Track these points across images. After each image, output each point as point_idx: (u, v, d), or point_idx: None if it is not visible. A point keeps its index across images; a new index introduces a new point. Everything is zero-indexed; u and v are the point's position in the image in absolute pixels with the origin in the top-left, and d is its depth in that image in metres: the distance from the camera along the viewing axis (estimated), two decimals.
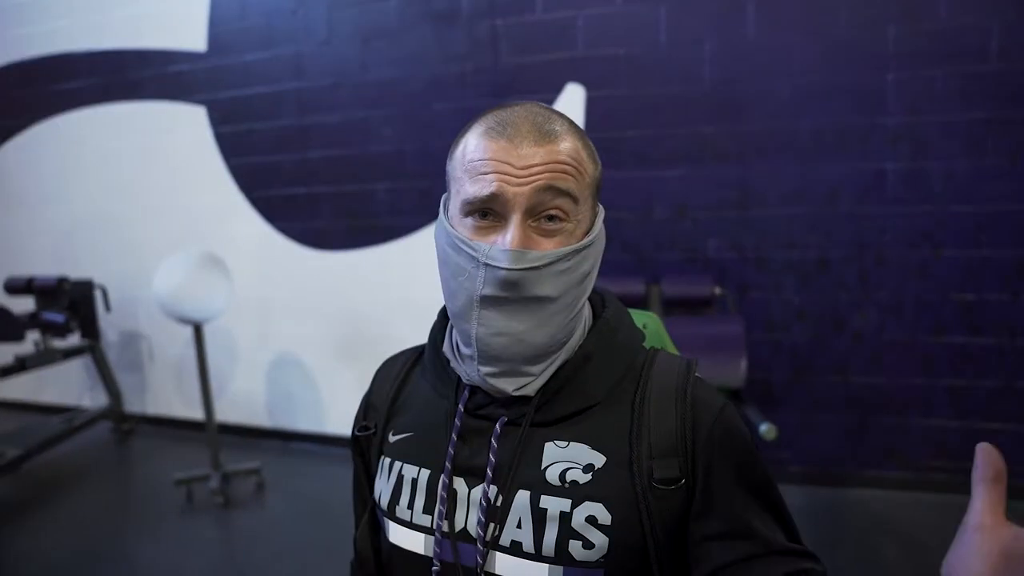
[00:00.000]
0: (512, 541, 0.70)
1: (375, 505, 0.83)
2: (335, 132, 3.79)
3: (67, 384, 4.85)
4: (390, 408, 0.84)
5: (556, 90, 3.39)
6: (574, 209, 0.69)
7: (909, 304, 3.13)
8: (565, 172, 0.67)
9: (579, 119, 3.37)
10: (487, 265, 0.67)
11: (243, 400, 4.28)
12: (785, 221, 3.17)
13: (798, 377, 3.27)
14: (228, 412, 4.22)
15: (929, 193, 3.03)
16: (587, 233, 0.71)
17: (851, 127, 3.07)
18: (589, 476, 0.69)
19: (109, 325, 4.53)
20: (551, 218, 0.68)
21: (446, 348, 0.80)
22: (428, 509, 0.75)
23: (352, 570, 0.92)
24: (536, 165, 0.66)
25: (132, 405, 4.62)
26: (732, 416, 0.72)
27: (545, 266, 0.67)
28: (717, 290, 2.99)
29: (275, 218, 4.02)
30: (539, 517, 0.69)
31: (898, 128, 3.02)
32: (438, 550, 0.73)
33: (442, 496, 0.73)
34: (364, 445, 0.87)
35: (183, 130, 4.11)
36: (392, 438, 0.82)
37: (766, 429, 2.25)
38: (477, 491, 0.72)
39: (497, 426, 0.72)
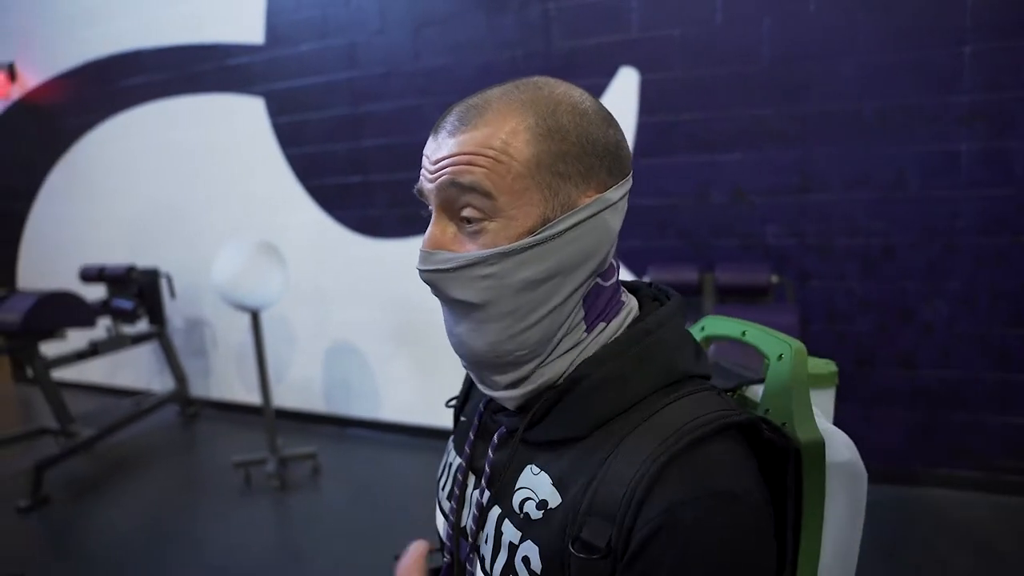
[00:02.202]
0: (480, 553, 0.67)
1: None
2: (388, 121, 3.82)
3: (138, 368, 5.06)
4: (467, 391, 0.84)
5: (609, 74, 3.32)
6: (491, 206, 0.58)
7: (983, 294, 2.94)
8: (471, 164, 0.58)
9: (633, 103, 3.29)
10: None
11: (300, 386, 4.37)
12: (848, 206, 3.03)
13: (861, 370, 3.12)
14: (286, 397, 4.32)
15: (1008, 175, 2.84)
16: (533, 232, 0.59)
17: (920, 106, 2.89)
18: (540, 514, 0.60)
19: (175, 312, 4.70)
20: (466, 219, 0.60)
21: None
22: (450, 496, 0.75)
23: None
24: (443, 158, 0.60)
25: (197, 389, 4.79)
26: (709, 518, 0.52)
27: (454, 270, 0.60)
28: (774, 278, 2.87)
29: (331, 206, 4.08)
30: (497, 540, 0.64)
31: (974, 105, 2.84)
32: (447, 543, 0.73)
33: (454, 492, 0.73)
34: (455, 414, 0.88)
35: (242, 121, 4.21)
36: (462, 419, 0.83)
37: None
38: (477, 492, 0.70)
39: (495, 436, 0.69)
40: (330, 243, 4.09)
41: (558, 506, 0.59)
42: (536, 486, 0.62)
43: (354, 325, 4.15)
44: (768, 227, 3.15)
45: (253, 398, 4.43)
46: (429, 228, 0.63)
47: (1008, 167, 2.83)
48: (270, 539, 3.11)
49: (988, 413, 2.99)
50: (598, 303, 0.64)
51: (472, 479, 0.72)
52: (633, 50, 3.27)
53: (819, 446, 0.61)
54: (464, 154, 0.58)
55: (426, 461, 3.71)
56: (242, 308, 3.30)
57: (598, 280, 0.63)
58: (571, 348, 0.63)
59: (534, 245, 0.58)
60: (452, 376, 3.92)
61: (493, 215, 0.59)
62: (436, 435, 3.94)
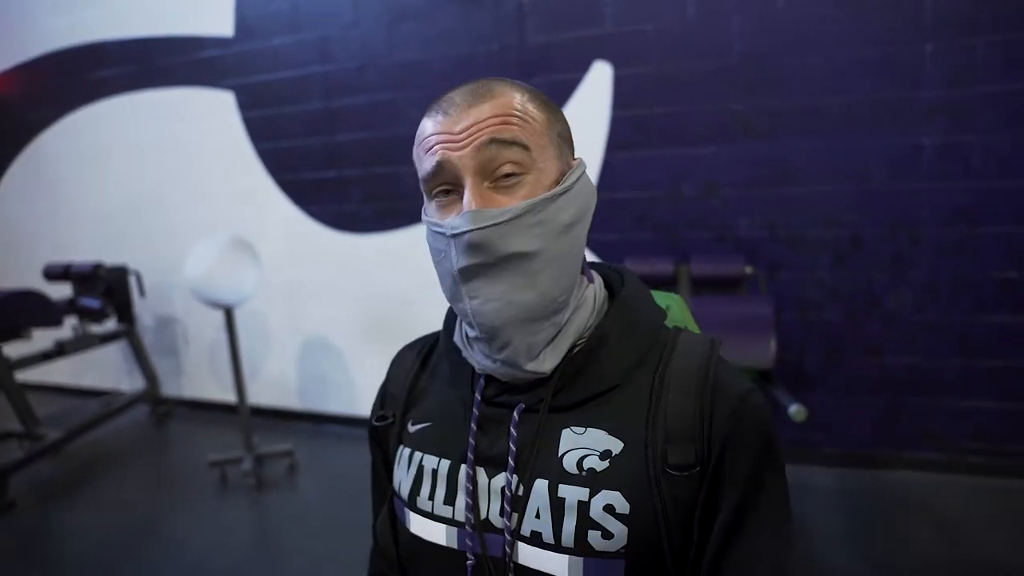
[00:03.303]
0: (532, 531, 0.68)
1: (394, 495, 0.81)
2: (363, 115, 3.80)
3: (106, 368, 4.97)
4: (408, 397, 0.82)
5: (583, 68, 3.35)
6: (528, 158, 0.65)
7: (946, 283, 3.05)
8: (506, 122, 0.64)
9: (606, 97, 3.33)
10: (454, 236, 0.65)
11: (275, 383, 4.34)
12: (817, 199, 3.11)
13: (831, 358, 3.21)
14: (260, 395, 4.29)
15: (968, 168, 2.94)
16: (556, 183, 0.67)
17: (886, 101, 2.98)
18: (607, 463, 0.66)
19: (144, 310, 4.63)
20: (507, 174, 0.65)
21: (456, 338, 0.78)
22: (449, 500, 0.73)
23: (371, 559, 0.93)
24: (473, 125, 0.64)
25: (168, 388, 4.72)
26: (757, 403, 0.68)
27: (510, 220, 0.64)
28: (748, 269, 2.94)
29: (304, 202, 4.05)
30: (557, 507, 0.67)
31: (935, 101, 2.93)
32: (470, 543, 0.71)
33: (467, 488, 0.71)
34: (382, 435, 0.85)
35: (212, 116, 4.15)
36: (411, 428, 0.80)
37: (795, 410, 2.21)
38: (498, 480, 0.70)
39: (515, 413, 0.70)
40: (304, 238, 4.06)
41: (623, 449, 0.67)
42: (590, 442, 0.68)
43: (329, 321, 4.13)
44: (740, 219, 3.22)
45: (227, 396, 4.38)
46: (466, 193, 0.65)
47: (967, 161, 2.94)
48: (248, 538, 3.09)
49: (950, 398, 3.10)
50: (583, 264, 0.73)
51: (483, 471, 0.71)
52: (607, 45, 3.30)
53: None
54: (497, 115, 0.65)
55: None
56: (216, 305, 3.27)
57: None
58: (579, 306, 0.71)
59: (566, 191, 0.67)
60: None
61: (529, 168, 0.65)
62: None
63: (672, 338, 0.73)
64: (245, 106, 4.07)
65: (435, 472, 0.75)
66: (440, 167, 0.66)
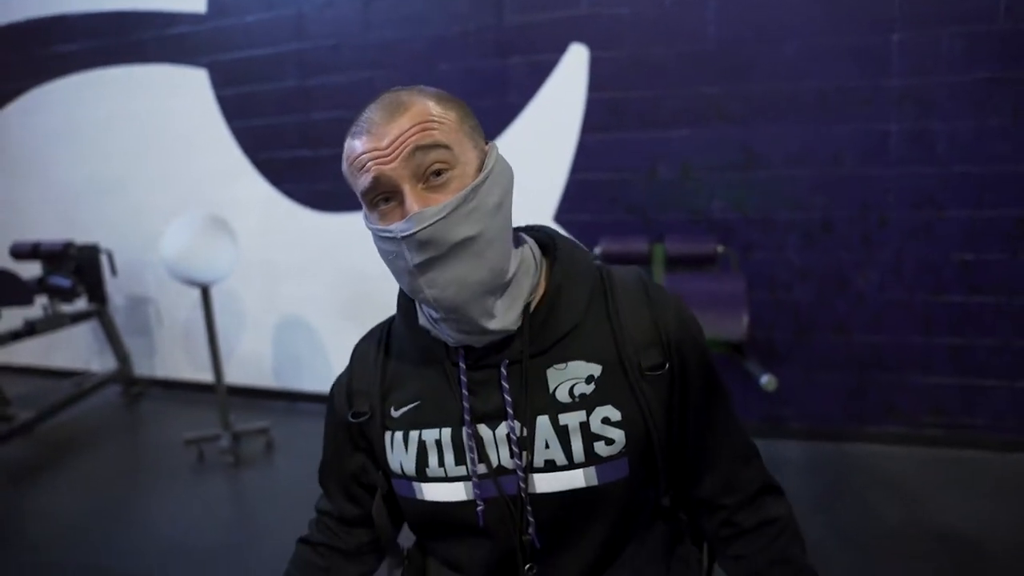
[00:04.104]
0: (545, 461, 0.79)
1: (393, 477, 0.88)
2: (338, 93, 3.78)
3: (76, 348, 4.90)
4: (382, 386, 0.89)
5: (560, 50, 3.38)
6: (451, 156, 0.73)
7: (910, 264, 3.16)
8: (425, 129, 0.72)
9: (583, 79, 3.36)
10: (404, 238, 0.72)
11: (250, 362, 4.33)
12: (789, 182, 3.19)
13: (800, 336, 3.31)
14: (235, 374, 4.28)
15: (932, 154, 3.04)
16: (479, 171, 0.76)
17: (856, 88, 3.06)
18: (593, 385, 0.79)
19: (116, 289, 4.57)
20: (437, 172, 0.73)
21: (422, 321, 0.87)
22: (460, 461, 0.81)
23: (304, 545, 1.02)
24: (397, 137, 0.72)
25: (141, 368, 4.68)
26: (684, 305, 0.87)
27: (450, 213, 0.72)
28: (720, 248, 3.01)
29: (279, 181, 4.03)
30: (562, 433, 0.78)
31: (903, 89, 3.02)
32: (478, 491, 0.81)
33: (470, 445, 0.80)
34: (362, 431, 0.91)
35: (185, 93, 4.09)
36: (395, 413, 0.87)
37: (767, 380, 2.29)
38: (501, 429, 0.79)
39: (502, 369, 0.80)
40: (279, 217, 4.05)
41: (602, 371, 0.80)
42: (573, 373, 0.80)
43: (305, 299, 4.13)
44: (714, 201, 3.29)
45: (201, 375, 4.36)
46: (406, 199, 0.73)
47: (932, 147, 3.04)
48: (227, 515, 3.11)
49: (913, 374, 3.22)
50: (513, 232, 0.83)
51: (484, 426, 0.81)
52: (583, 27, 3.33)
53: None
54: (415, 125, 0.72)
55: None
56: (192, 283, 3.25)
57: None
58: (521, 265, 0.81)
59: (488, 176, 0.75)
60: None
61: (454, 164, 0.74)
62: None
63: (607, 273, 0.87)
64: (219, 84, 4.02)
65: (438, 442, 0.83)
66: (376, 181, 0.73)
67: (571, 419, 0.79)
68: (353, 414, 0.90)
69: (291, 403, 4.27)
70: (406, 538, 1.00)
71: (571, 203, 3.50)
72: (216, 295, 3.80)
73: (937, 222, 3.09)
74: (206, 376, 3.98)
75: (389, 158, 0.72)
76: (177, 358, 4.60)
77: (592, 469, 0.78)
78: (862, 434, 3.31)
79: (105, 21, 4.20)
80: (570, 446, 0.78)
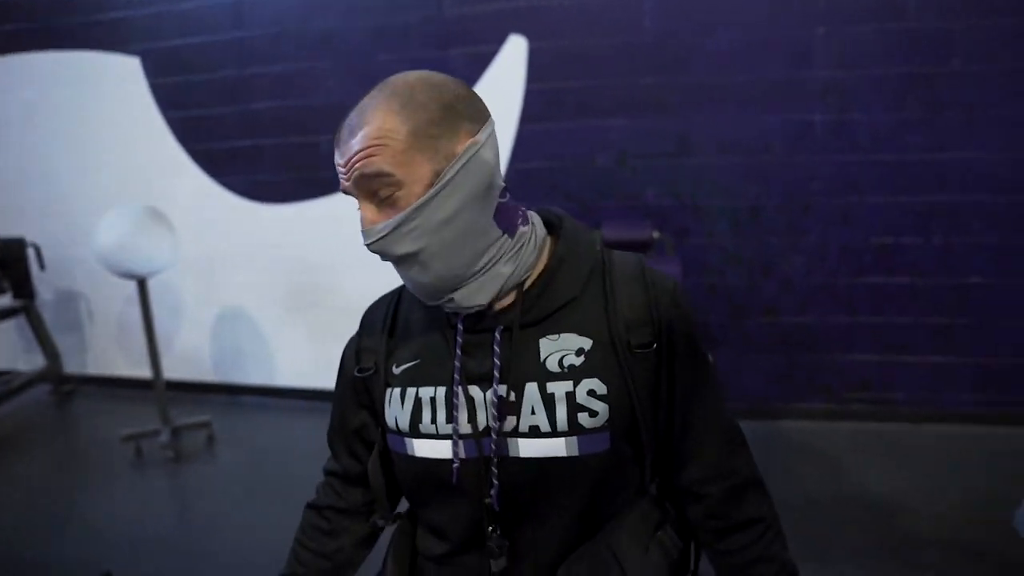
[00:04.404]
0: (530, 426, 0.82)
1: (386, 432, 0.92)
2: (278, 83, 3.75)
3: (1, 347, 4.71)
4: (388, 345, 0.93)
5: (499, 41, 3.44)
6: (394, 180, 0.75)
7: (834, 249, 3.33)
8: (368, 156, 0.75)
9: (521, 70, 3.43)
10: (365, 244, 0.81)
11: (189, 356, 4.25)
12: (720, 170, 3.32)
13: (733, 318, 3.46)
14: (174, 369, 4.17)
15: (854, 143, 3.22)
16: (430, 186, 0.76)
17: (783, 80, 3.22)
18: (582, 358, 0.82)
19: (44, 285, 4.40)
20: (384, 197, 0.77)
21: None
22: (450, 419, 0.85)
23: (310, 510, 1.04)
24: (348, 162, 0.77)
25: (71, 366, 4.53)
26: (683, 291, 0.89)
27: (388, 234, 0.77)
28: (655, 234, 3.12)
29: (217, 172, 3.96)
30: (548, 401, 0.81)
31: (827, 81, 3.19)
32: (456, 449, 0.84)
33: (455, 404, 0.84)
34: (367, 385, 0.95)
35: (117, 81, 3.99)
36: (396, 370, 0.91)
37: None
38: (492, 392, 0.83)
39: (496, 334, 0.84)
40: (218, 209, 3.99)
41: (592, 345, 0.83)
42: (565, 344, 0.83)
43: (244, 292, 4.09)
44: (649, 189, 3.40)
45: (137, 371, 4.26)
46: (360, 214, 0.79)
47: (854, 136, 3.21)
48: (169, 510, 3.07)
49: (837, 352, 3.40)
50: (507, 215, 0.84)
51: (476, 388, 0.85)
52: (522, 18, 3.40)
53: None
54: (359, 151, 0.75)
55: (322, 423, 3.73)
56: (129, 276, 3.19)
57: (499, 200, 0.82)
58: (515, 250, 0.84)
59: (436, 194, 0.76)
60: (346, 337, 3.94)
61: (400, 185, 0.76)
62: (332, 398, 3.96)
63: (607, 254, 0.90)
64: (152, 72, 3.93)
65: (433, 400, 0.87)
66: (345, 191, 0.80)
67: (558, 388, 0.82)
68: (359, 369, 0.95)
69: (233, 396, 4.21)
70: (405, 507, 1.03)
71: (510, 192, 3.53)
72: (152, 288, 3.72)
73: (858, 208, 3.26)
74: (142, 372, 3.89)
75: (346, 177, 0.78)
76: (111, 354, 4.48)
77: (574, 439, 0.81)
78: (792, 411, 3.47)
79: (30, 4, 4.06)
80: (555, 414, 0.81)
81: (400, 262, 0.80)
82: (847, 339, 3.39)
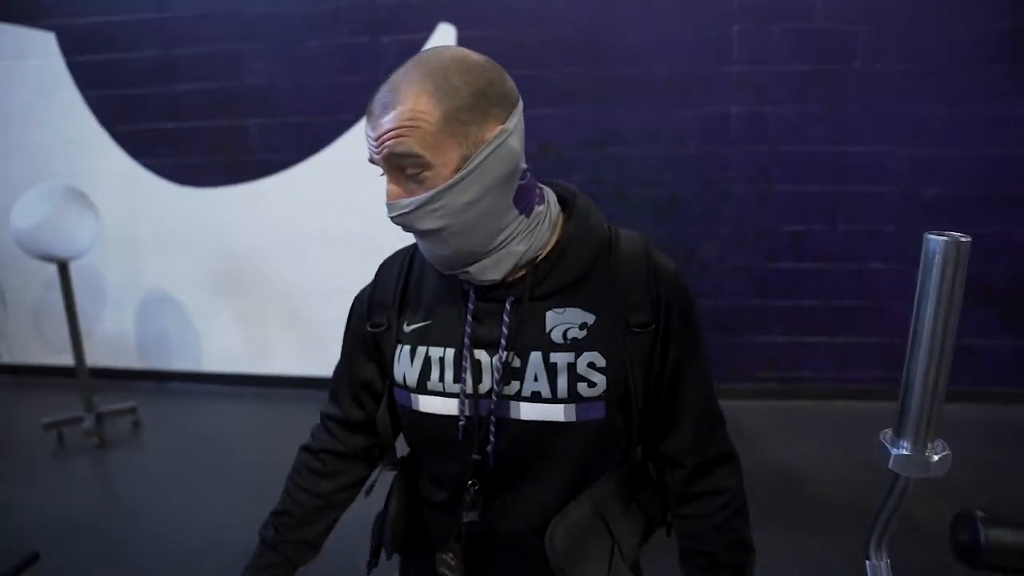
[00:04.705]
0: (532, 392, 0.88)
1: (394, 387, 0.98)
2: (205, 65, 3.70)
3: None
4: (400, 302, 0.98)
5: (429, 29, 3.48)
6: (423, 161, 0.78)
7: (749, 234, 3.52)
8: (399, 136, 0.78)
9: None
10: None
11: (111, 342, 4.17)
12: (642, 160, 3.46)
13: None
14: (96, 355, 4.07)
15: (765, 134, 3.41)
16: (457, 170, 0.80)
17: (700, 74, 3.37)
18: (585, 332, 0.88)
19: None
20: (412, 173, 0.80)
21: None
22: (456, 379, 0.91)
23: (305, 452, 1.09)
24: (380, 137, 0.79)
25: None
26: (681, 276, 0.94)
27: (414, 210, 0.81)
28: None
29: (141, 154, 3.89)
30: (551, 370, 0.87)
31: (741, 75, 3.36)
32: (463, 408, 0.90)
33: (464, 366, 0.90)
34: (377, 340, 1.00)
35: (30, 58, 3.85)
36: (407, 328, 0.96)
37: None
38: (498, 357, 0.88)
39: (507, 304, 0.89)
40: (142, 192, 3.91)
41: (595, 320, 0.88)
42: (570, 318, 0.89)
43: (171, 276, 4.03)
44: (574, 177, 3.51)
45: (56, 358, 4.15)
46: (387, 186, 0.82)
47: (765, 127, 3.40)
48: (94, 497, 3.02)
49: (751, 334, 3.61)
50: (526, 196, 0.87)
51: (483, 352, 0.90)
52: (451, 7, 3.46)
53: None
54: (391, 130, 0.78)
55: (252, 408, 3.75)
56: (49, 258, 3.11)
57: (519, 182, 0.85)
58: (531, 229, 0.88)
59: (463, 178, 0.80)
60: (276, 323, 3.97)
61: (428, 166, 0.79)
62: (262, 383, 3.98)
63: (615, 235, 0.94)
64: (69, 49, 3.81)
65: (441, 360, 0.92)
66: (373, 162, 0.83)
67: (560, 359, 0.87)
68: (371, 324, 0.99)
69: (159, 383, 4.15)
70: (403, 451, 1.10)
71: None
72: (73, 272, 3.64)
73: (770, 195, 3.46)
74: (62, 359, 3.80)
75: (377, 152, 0.80)
76: (27, 341, 4.34)
77: (572, 406, 0.87)
78: None
79: None
80: (556, 382, 0.87)
81: (421, 235, 0.85)
82: (761, 321, 3.60)
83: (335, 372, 1.08)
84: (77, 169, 3.89)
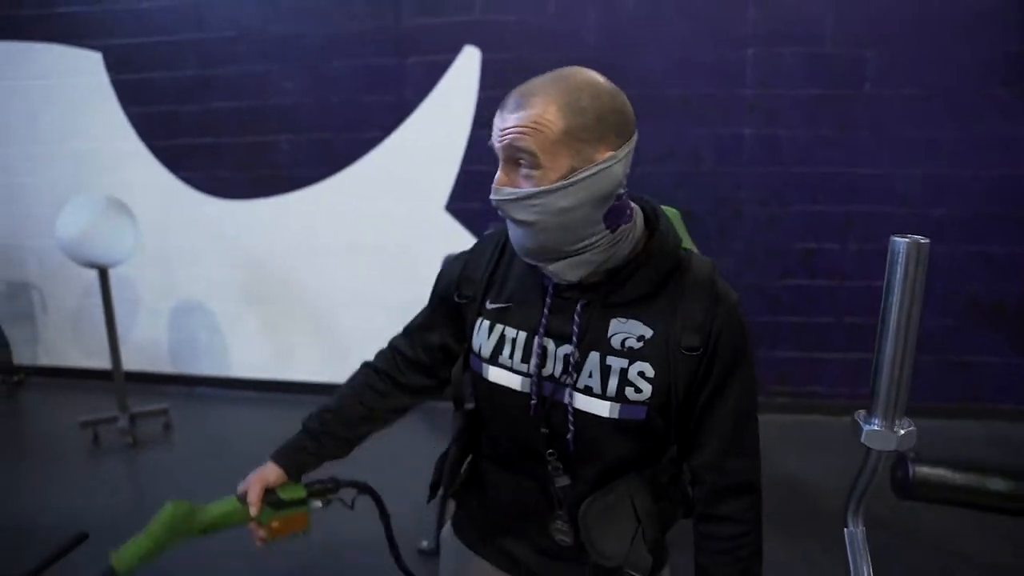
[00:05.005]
0: (585, 385, 0.98)
1: (472, 353, 1.09)
2: (238, 85, 3.87)
3: None
4: (488, 281, 1.08)
5: (455, 51, 3.63)
6: (536, 161, 0.88)
7: (760, 253, 3.61)
8: (523, 134, 0.87)
9: (475, 78, 3.63)
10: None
11: (146, 347, 4.32)
12: (656, 178, 3.55)
13: None
14: (129, 360, 4.23)
15: (778, 156, 3.51)
16: (566, 177, 0.88)
17: (715, 96, 3.49)
18: (641, 344, 0.96)
19: None
20: (521, 166, 0.90)
21: None
22: (525, 359, 1.01)
23: (367, 368, 1.23)
24: (506, 129, 0.89)
25: (21, 357, 4.55)
26: (740, 309, 1.00)
27: (514, 201, 0.91)
28: None
29: (177, 167, 4.06)
30: (605, 370, 0.97)
31: (754, 98, 3.47)
32: (536, 388, 1.00)
33: (537, 352, 1.00)
34: (461, 309, 1.11)
35: (77, 75, 4.04)
36: (489, 305, 1.07)
37: None
38: (563, 349, 0.99)
39: (579, 306, 0.98)
40: (177, 204, 4.08)
41: (652, 335, 0.96)
42: (630, 329, 0.97)
43: (201, 285, 4.18)
44: None
45: (92, 362, 4.31)
46: (498, 172, 0.93)
47: (778, 150, 3.50)
48: (124, 495, 3.12)
49: (763, 349, 3.68)
50: (616, 214, 0.93)
51: (551, 341, 1.00)
52: (476, 31, 3.61)
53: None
54: (518, 127, 0.88)
55: (276, 413, 3.87)
56: (92, 265, 3.27)
57: (614, 203, 0.92)
58: (613, 244, 0.94)
59: (565, 187, 0.89)
60: (300, 331, 4.11)
61: (538, 166, 0.88)
62: (287, 388, 4.12)
63: (687, 259, 1.01)
64: (114, 68, 4.01)
65: (514, 340, 1.03)
66: (492, 147, 0.94)
67: (616, 363, 0.96)
68: (459, 295, 1.11)
69: (189, 388, 4.29)
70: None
71: (462, 192, 3.76)
72: (110, 281, 3.80)
73: (782, 215, 3.55)
74: (97, 362, 3.96)
75: (500, 140, 0.90)
76: (64, 345, 4.50)
77: (617, 405, 0.96)
78: None
79: None
80: (608, 382, 0.96)
81: (514, 223, 0.94)
82: (772, 336, 3.67)
83: (417, 316, 1.21)
84: (116, 180, 4.06)
